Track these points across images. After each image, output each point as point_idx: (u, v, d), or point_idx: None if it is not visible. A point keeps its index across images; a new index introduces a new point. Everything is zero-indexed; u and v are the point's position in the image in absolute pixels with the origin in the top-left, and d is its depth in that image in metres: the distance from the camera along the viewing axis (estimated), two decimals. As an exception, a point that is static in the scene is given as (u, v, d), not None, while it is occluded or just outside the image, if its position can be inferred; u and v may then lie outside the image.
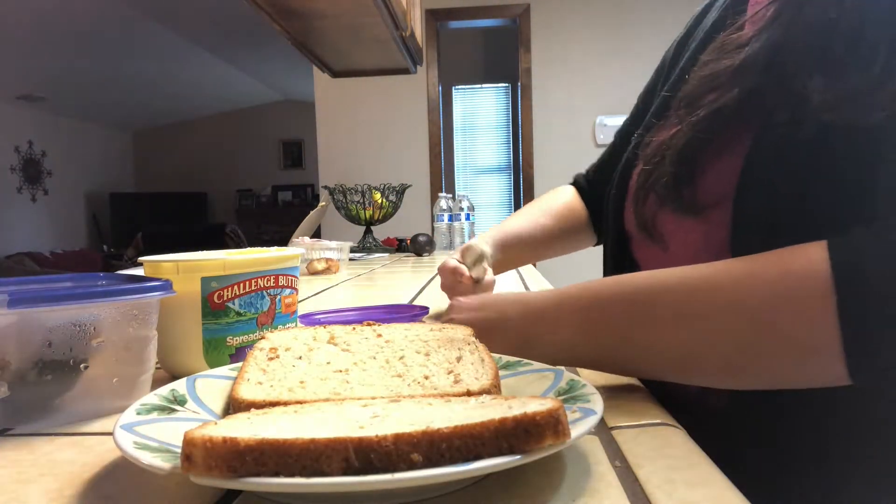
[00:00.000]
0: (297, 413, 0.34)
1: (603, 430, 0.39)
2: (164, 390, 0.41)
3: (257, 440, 0.26)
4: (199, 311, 0.54)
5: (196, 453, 0.26)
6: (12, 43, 4.79)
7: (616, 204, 0.73)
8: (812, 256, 0.40)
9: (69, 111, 6.70)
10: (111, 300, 0.44)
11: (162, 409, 0.39)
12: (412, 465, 0.27)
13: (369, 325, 0.51)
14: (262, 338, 0.48)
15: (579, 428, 0.31)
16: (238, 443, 0.26)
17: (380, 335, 0.49)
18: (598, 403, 0.35)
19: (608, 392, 0.47)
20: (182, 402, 0.40)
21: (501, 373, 0.43)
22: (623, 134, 0.93)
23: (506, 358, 0.47)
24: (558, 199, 0.98)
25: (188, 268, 0.54)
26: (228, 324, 0.55)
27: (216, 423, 0.32)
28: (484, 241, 0.86)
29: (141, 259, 0.58)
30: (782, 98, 0.49)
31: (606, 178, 0.90)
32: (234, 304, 0.56)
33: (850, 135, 0.44)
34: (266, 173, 7.91)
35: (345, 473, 0.26)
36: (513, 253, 0.89)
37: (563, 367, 0.43)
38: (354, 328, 0.50)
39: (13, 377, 0.41)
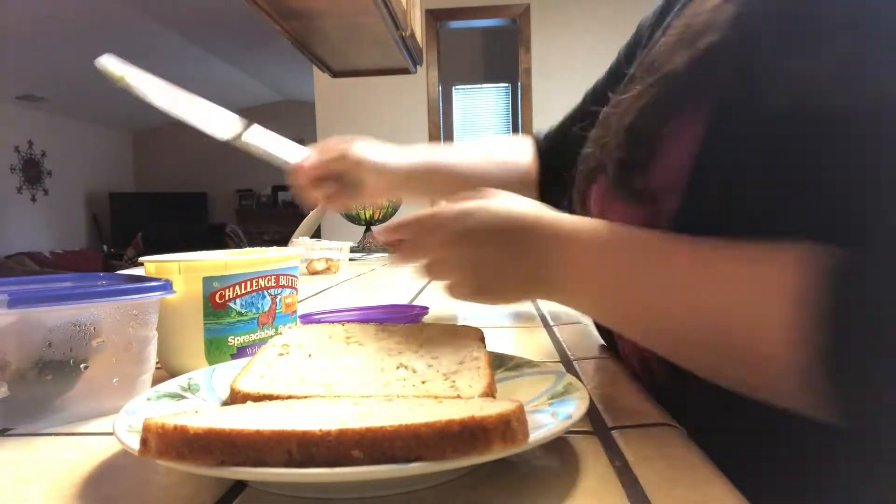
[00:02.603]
0: (289, 407, 0.35)
1: (603, 430, 0.39)
2: (182, 379, 0.43)
3: (205, 429, 0.27)
4: (200, 311, 0.54)
5: (151, 438, 0.28)
6: (12, 43, 4.79)
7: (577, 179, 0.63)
8: (803, 264, 0.34)
9: (69, 111, 6.70)
10: (111, 300, 0.44)
11: (173, 396, 0.40)
12: (353, 462, 0.27)
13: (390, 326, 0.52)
14: (279, 333, 0.48)
15: (541, 433, 0.30)
16: (187, 431, 0.27)
17: (394, 337, 0.49)
18: (579, 409, 0.34)
19: (608, 392, 0.47)
20: (195, 391, 0.42)
21: (507, 374, 0.44)
22: (595, 94, 0.84)
23: (515, 360, 0.47)
24: (510, 149, 0.86)
25: (190, 268, 0.54)
26: (230, 324, 0.55)
27: (196, 412, 0.34)
28: (391, 155, 0.75)
29: (141, 259, 0.58)
30: (743, 68, 0.42)
31: (565, 139, 0.81)
32: (235, 303, 0.56)
33: (817, 122, 0.37)
34: (266, 173, 7.88)
35: (287, 465, 0.27)
36: (434, 186, 0.78)
37: (564, 370, 0.43)
38: (372, 327, 0.51)
39: (13, 377, 0.41)
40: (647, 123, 0.47)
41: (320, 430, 0.27)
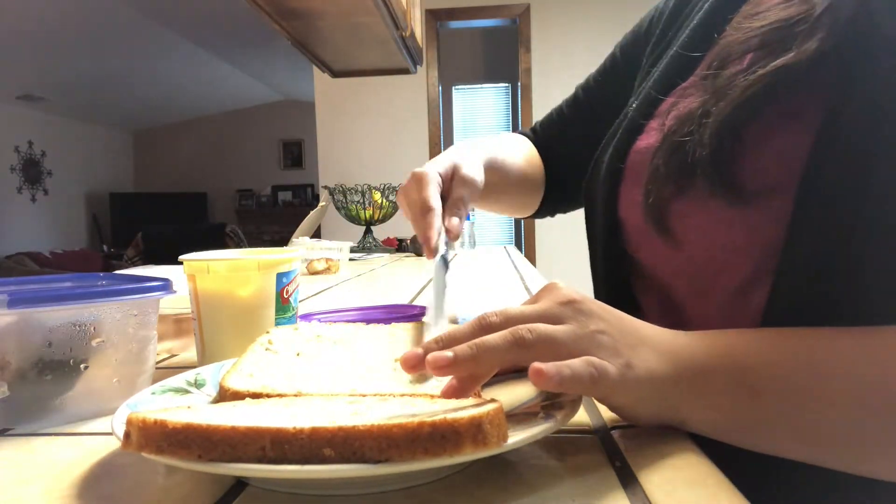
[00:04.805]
0: (286, 405, 0.35)
1: (603, 430, 0.39)
2: (189, 374, 0.43)
3: (183, 424, 0.28)
4: (273, 306, 0.56)
5: (133, 432, 0.29)
6: (12, 43, 4.79)
7: (610, 179, 0.58)
8: None
9: (69, 111, 6.70)
10: (111, 300, 0.44)
11: (178, 390, 0.41)
12: (324, 460, 0.27)
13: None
14: (267, 332, 0.48)
15: (520, 436, 0.30)
16: (166, 425, 0.28)
17: (384, 336, 0.49)
18: (567, 412, 0.34)
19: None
20: (201, 386, 0.42)
21: (505, 374, 0.44)
22: (589, 88, 0.82)
23: None
24: (527, 147, 0.83)
25: (268, 264, 0.55)
26: (290, 318, 0.58)
27: (188, 407, 0.34)
28: (477, 165, 0.66)
29: (210, 256, 0.56)
30: (872, 54, 0.39)
31: (557, 135, 0.80)
32: (293, 298, 0.58)
33: None
34: (266, 173, 7.90)
35: (260, 462, 0.28)
36: (492, 189, 0.71)
37: None
38: (360, 327, 0.51)
39: (13, 377, 0.41)
40: (745, 116, 0.44)
41: (293, 428, 0.28)
